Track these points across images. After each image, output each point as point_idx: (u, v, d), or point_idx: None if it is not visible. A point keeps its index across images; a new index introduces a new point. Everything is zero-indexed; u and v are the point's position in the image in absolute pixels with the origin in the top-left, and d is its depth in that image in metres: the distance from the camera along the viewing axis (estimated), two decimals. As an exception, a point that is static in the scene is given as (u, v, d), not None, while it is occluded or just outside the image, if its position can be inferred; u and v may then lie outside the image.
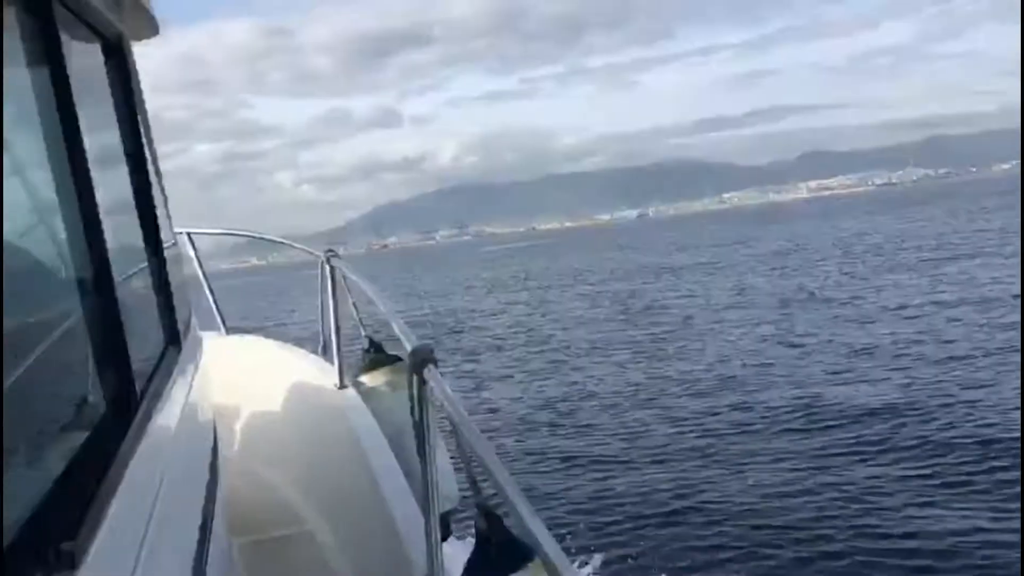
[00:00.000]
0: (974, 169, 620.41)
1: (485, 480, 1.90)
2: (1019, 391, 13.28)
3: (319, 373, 5.00)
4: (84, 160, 1.78)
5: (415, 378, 2.38)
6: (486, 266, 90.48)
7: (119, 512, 1.37)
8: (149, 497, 1.69)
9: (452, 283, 64.60)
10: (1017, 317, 19.30)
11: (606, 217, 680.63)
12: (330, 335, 4.80)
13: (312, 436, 5.03)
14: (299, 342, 6.12)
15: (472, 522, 2.50)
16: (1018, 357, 15.70)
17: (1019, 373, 14.40)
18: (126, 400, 1.85)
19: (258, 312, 51.94)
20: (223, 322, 6.21)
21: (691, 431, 14.44)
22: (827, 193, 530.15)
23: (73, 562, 1.10)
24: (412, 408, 2.46)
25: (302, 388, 5.15)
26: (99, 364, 1.79)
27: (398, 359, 4.37)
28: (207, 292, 6.18)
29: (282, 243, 6.17)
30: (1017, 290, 22.82)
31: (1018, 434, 11.50)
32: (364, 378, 4.51)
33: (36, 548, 1.06)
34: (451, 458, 3.66)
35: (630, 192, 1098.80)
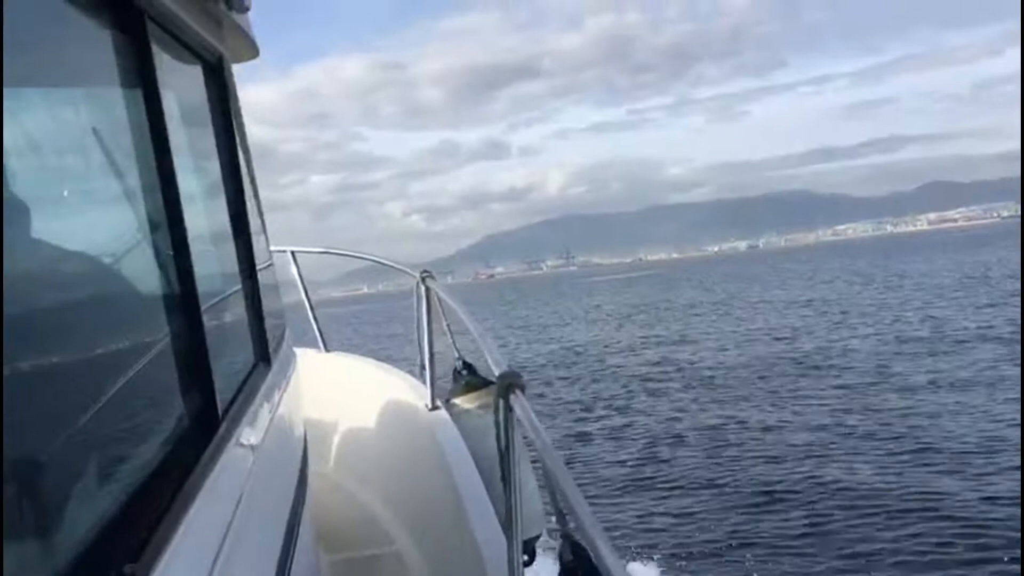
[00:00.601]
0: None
1: (568, 511, 1.88)
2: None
3: (412, 393, 5.05)
4: (176, 180, 1.78)
5: (501, 403, 2.40)
6: (595, 295, 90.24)
7: (191, 530, 1.37)
8: (227, 513, 1.71)
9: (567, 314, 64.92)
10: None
11: (715, 248, 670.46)
12: (424, 356, 4.85)
13: (403, 456, 5.10)
14: (397, 363, 6.19)
15: (557, 551, 2.49)
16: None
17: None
18: (208, 417, 1.86)
19: (363, 335, 53.36)
20: (323, 340, 6.36)
21: (792, 473, 13.94)
22: (949, 225, 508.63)
23: None
24: (498, 433, 2.48)
25: (395, 407, 5.22)
26: (183, 382, 1.81)
27: (489, 382, 4.35)
28: (308, 310, 6.35)
29: (382, 263, 6.35)
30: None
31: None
32: (456, 400, 4.53)
33: (100, 570, 1.06)
34: (540, 485, 3.63)
35: (738, 223, 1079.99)
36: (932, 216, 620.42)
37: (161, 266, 1.78)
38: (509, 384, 2.38)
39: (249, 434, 2.18)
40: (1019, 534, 9.05)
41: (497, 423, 2.46)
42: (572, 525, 2.33)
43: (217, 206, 2.73)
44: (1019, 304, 22.40)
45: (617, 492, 13.68)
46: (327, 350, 6.33)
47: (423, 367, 4.85)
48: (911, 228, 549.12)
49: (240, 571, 1.72)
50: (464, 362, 4.57)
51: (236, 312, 2.76)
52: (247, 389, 2.44)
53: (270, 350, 3.04)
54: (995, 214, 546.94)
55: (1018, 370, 16.95)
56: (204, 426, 1.83)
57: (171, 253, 1.78)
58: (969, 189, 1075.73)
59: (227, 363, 2.30)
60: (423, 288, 4.74)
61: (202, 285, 1.91)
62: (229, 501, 1.77)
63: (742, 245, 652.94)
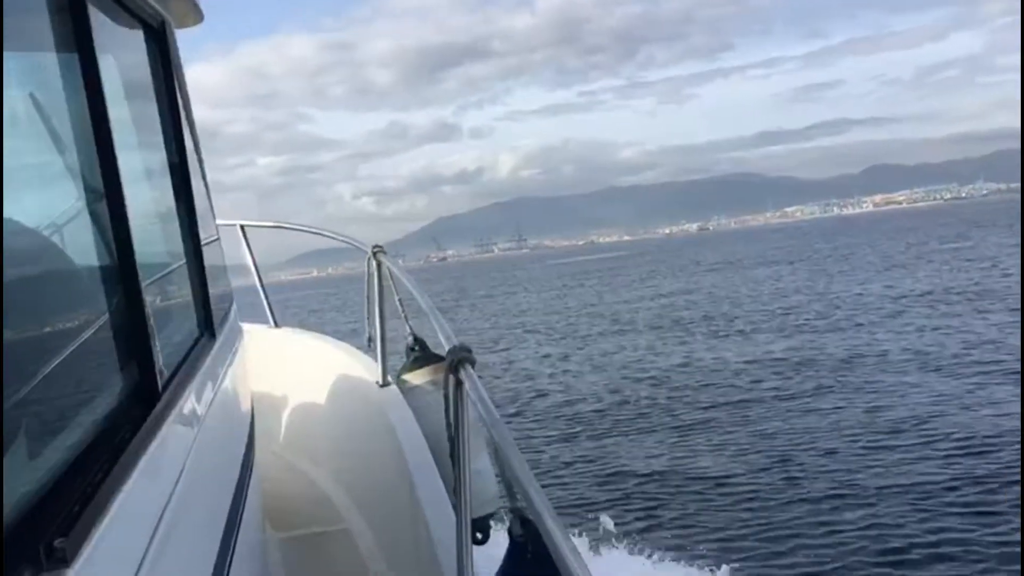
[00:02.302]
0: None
1: (516, 487, 1.87)
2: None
3: (363, 369, 4.94)
4: (114, 150, 1.73)
5: (451, 378, 2.36)
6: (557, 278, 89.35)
7: (127, 505, 1.35)
8: (166, 488, 1.67)
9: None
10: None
11: (666, 230, 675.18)
12: (375, 332, 4.75)
13: (353, 433, 5.00)
14: (347, 338, 6.02)
15: (508, 526, 2.47)
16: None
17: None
18: (147, 390, 1.82)
19: (317, 317, 53.66)
20: (273, 316, 6.19)
21: (729, 439, 14.59)
22: (893, 207, 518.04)
23: (65, 558, 1.07)
24: (447, 408, 2.43)
25: (345, 384, 5.11)
26: (121, 355, 1.77)
27: (440, 358, 4.12)
28: (258, 285, 6.19)
29: (333, 237, 6.10)
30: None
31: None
32: (407, 376, 4.43)
33: (29, 544, 1.05)
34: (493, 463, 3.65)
35: (689, 205, 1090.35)
36: (877, 198, 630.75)
37: (100, 239, 1.74)
38: (459, 359, 2.34)
39: (191, 408, 2.13)
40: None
41: (446, 397, 2.41)
42: (521, 501, 2.34)
43: (160, 177, 2.68)
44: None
45: (567, 469, 13.87)
46: (277, 326, 6.19)
47: (373, 342, 4.78)
48: (857, 210, 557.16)
49: (180, 546, 1.68)
50: (416, 338, 4.50)
51: (179, 285, 2.71)
52: (190, 362, 2.40)
53: (215, 324, 2.99)
54: (938, 196, 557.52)
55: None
56: (143, 399, 1.79)
57: (110, 225, 1.73)
58: (913, 172, 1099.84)
59: (169, 336, 2.26)
60: (374, 263, 4.68)
61: (143, 257, 1.86)
62: (168, 475, 1.72)
63: (693, 227, 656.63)
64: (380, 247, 4.74)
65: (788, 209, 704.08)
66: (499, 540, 3.29)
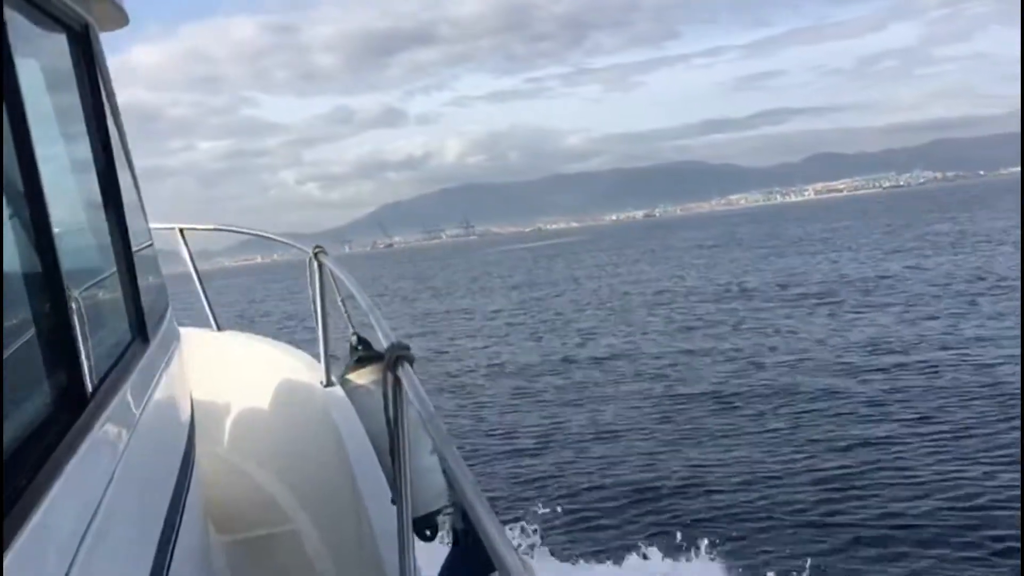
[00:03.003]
0: (982, 173, 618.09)
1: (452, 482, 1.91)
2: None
3: (307, 371, 5.00)
4: (35, 157, 1.71)
5: (390, 375, 2.37)
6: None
7: (52, 512, 1.33)
8: (95, 492, 1.65)
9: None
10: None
11: (613, 217, 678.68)
12: (318, 332, 4.77)
13: (297, 434, 5.04)
14: (294, 341, 6.02)
15: (450, 521, 2.50)
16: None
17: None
18: (76, 396, 1.81)
19: (256, 311, 52.49)
20: (215, 319, 6.14)
21: (673, 426, 14.70)
22: (834, 195, 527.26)
23: None
24: (386, 406, 2.44)
25: (289, 386, 5.14)
26: (48, 362, 1.76)
27: (383, 357, 4.06)
28: (199, 289, 6.13)
29: (273, 239, 6.04)
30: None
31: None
32: (350, 376, 4.36)
33: None
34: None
35: (635, 192, 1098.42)
36: (819, 186, 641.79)
37: (21, 247, 1.71)
38: (397, 356, 2.35)
39: (123, 412, 2.10)
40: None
41: (385, 395, 2.43)
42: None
43: (85, 182, 2.65)
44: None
45: (509, 465, 13.69)
46: (219, 329, 6.18)
47: (318, 344, 4.84)
48: (799, 198, 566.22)
49: (112, 552, 1.67)
50: (359, 337, 4.46)
51: (109, 290, 2.70)
52: (121, 367, 2.37)
53: (148, 328, 2.98)
54: (877, 184, 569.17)
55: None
56: (71, 405, 1.77)
57: (32, 232, 1.71)
58: (853, 160, 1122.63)
59: (99, 342, 2.23)
60: (316, 264, 4.67)
61: (69, 263, 1.84)
62: (98, 480, 1.71)
63: (639, 214, 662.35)
64: (320, 247, 4.68)
65: (732, 197, 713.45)
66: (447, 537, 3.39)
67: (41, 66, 2.07)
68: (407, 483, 2.43)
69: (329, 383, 4.68)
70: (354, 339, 4.46)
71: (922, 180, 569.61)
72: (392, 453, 2.48)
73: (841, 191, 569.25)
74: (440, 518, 3.79)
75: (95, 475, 1.70)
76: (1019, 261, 27.09)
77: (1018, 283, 23.56)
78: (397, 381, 2.35)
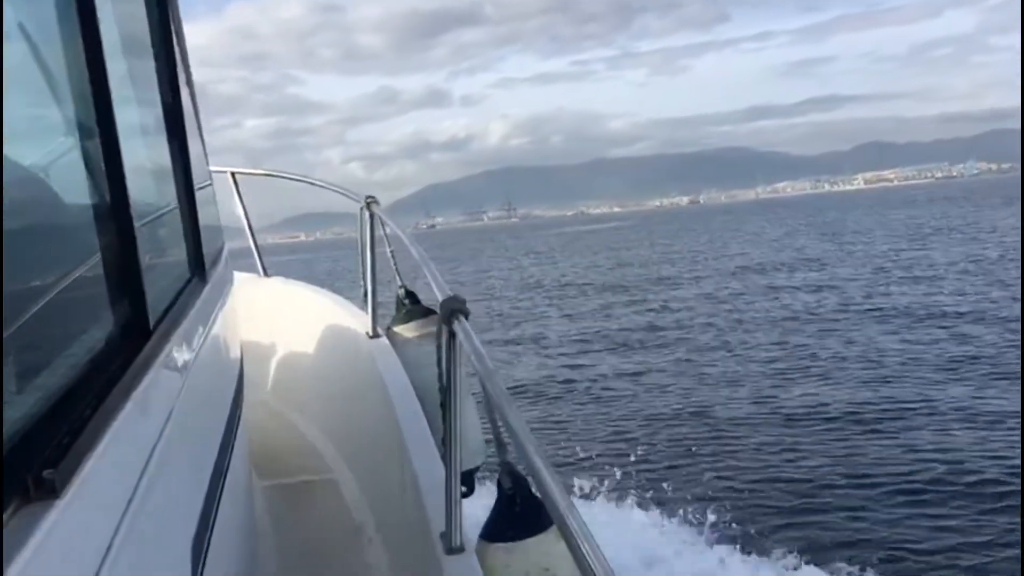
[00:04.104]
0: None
1: (510, 438, 1.89)
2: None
3: (353, 320, 4.94)
4: (109, 92, 1.71)
5: (444, 329, 2.35)
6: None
7: (116, 441, 1.33)
8: (155, 427, 1.66)
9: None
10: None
11: (656, 203, 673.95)
12: (366, 283, 4.73)
13: (342, 383, 5.02)
14: (337, 290, 5.98)
15: (497, 479, 2.46)
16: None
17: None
18: (139, 327, 1.81)
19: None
20: (263, 265, 6.17)
21: (718, 406, 14.52)
22: (884, 184, 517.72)
23: (55, 489, 1.07)
24: (439, 359, 2.43)
25: (335, 334, 5.12)
26: (112, 292, 1.76)
27: (432, 311, 4.25)
28: (249, 234, 6.12)
29: (324, 186, 5.84)
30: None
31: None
32: (397, 328, 4.40)
33: (18, 474, 1.05)
34: (480, 417, 3.66)
35: (680, 178, 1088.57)
36: (868, 175, 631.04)
37: (94, 178, 1.73)
38: (452, 310, 2.31)
39: (181, 349, 2.10)
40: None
41: (439, 348, 2.41)
42: (512, 453, 2.34)
43: (154, 120, 2.66)
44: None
45: (560, 427, 13.84)
46: (267, 275, 6.20)
47: (365, 294, 4.79)
48: (848, 187, 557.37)
49: (168, 485, 1.68)
50: (407, 290, 4.49)
51: (172, 227, 2.70)
52: (180, 303, 2.36)
53: (206, 267, 2.99)
54: (929, 175, 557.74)
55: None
56: (134, 336, 1.78)
57: (104, 166, 1.73)
58: (903, 150, 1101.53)
59: (160, 276, 2.24)
60: (367, 214, 4.63)
61: (136, 197, 1.87)
62: (159, 414, 1.72)
63: (683, 200, 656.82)
64: (373, 198, 4.62)
65: (778, 184, 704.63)
66: (481, 494, 3.46)
67: (118, 7, 2.08)
68: (457, 437, 2.40)
69: (375, 334, 4.60)
70: (402, 292, 4.49)
71: (975, 171, 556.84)
72: (443, 406, 2.45)
73: (892, 181, 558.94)
74: (477, 476, 3.76)
75: (156, 409, 1.72)
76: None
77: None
78: (452, 335, 2.31)
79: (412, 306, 4.43)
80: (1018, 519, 8.98)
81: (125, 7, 2.30)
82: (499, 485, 2.43)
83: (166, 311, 2.15)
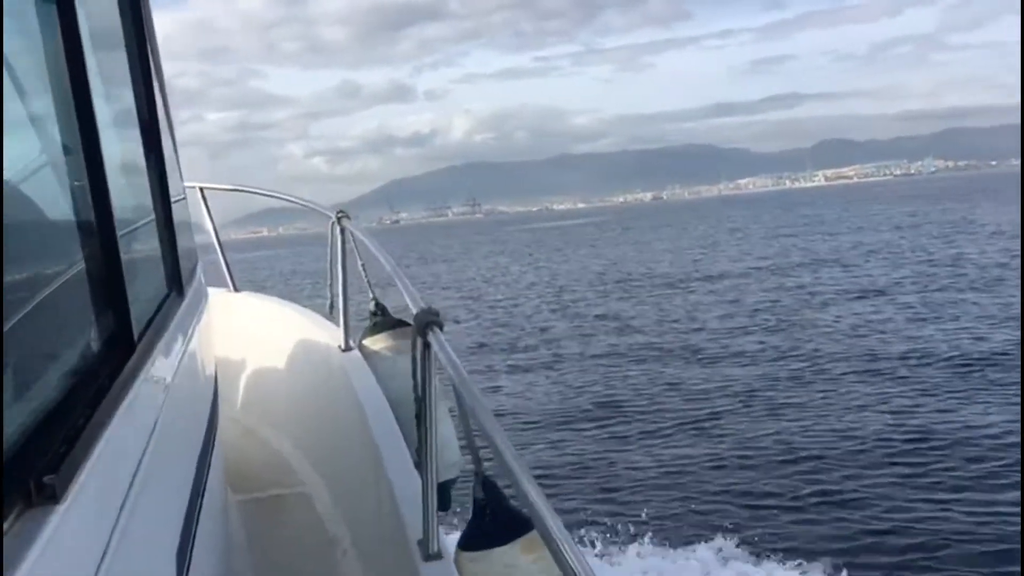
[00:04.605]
0: (994, 163, 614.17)
1: (485, 448, 1.89)
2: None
3: (324, 334, 4.97)
4: (91, 101, 1.71)
5: (419, 340, 2.35)
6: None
7: (109, 448, 1.35)
8: (142, 439, 1.66)
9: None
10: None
11: (621, 199, 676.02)
12: (337, 296, 4.79)
13: (314, 397, 5.03)
14: (308, 304, 6.00)
15: (471, 490, 2.47)
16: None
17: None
18: (124, 340, 1.81)
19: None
20: (232, 279, 6.14)
21: (696, 405, 14.59)
22: (844, 181, 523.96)
23: (55, 494, 1.09)
24: (414, 371, 2.42)
25: (307, 348, 5.14)
26: (98, 303, 1.76)
27: (404, 323, 4.31)
28: (217, 248, 6.10)
29: (295, 201, 5.95)
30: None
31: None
32: (368, 341, 4.41)
33: (19, 480, 1.06)
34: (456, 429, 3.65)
35: (643, 174, 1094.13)
36: (829, 173, 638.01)
37: (78, 190, 1.73)
38: (427, 321, 2.32)
39: (163, 363, 2.10)
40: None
41: (414, 360, 2.41)
42: (487, 463, 2.36)
43: (132, 130, 2.64)
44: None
45: (537, 438, 13.67)
46: (236, 290, 6.19)
47: (336, 308, 4.82)
48: (809, 184, 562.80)
49: (155, 496, 1.68)
50: (378, 303, 4.52)
51: (151, 240, 2.69)
52: (160, 318, 2.35)
53: (183, 281, 2.98)
54: (888, 172, 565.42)
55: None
56: (120, 350, 1.78)
57: (87, 177, 1.73)
58: (863, 147, 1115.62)
59: (142, 291, 2.23)
60: (338, 228, 4.70)
61: (118, 210, 1.86)
62: (145, 426, 1.72)
63: (647, 196, 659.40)
64: (344, 212, 4.71)
65: (741, 181, 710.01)
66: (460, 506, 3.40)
67: (96, 12, 2.07)
68: (433, 446, 2.42)
69: (347, 347, 4.64)
70: (373, 305, 4.50)
71: (933, 169, 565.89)
72: (419, 418, 2.46)
73: (851, 178, 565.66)
74: (452, 492, 3.73)
75: (144, 418, 1.72)
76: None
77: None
78: (427, 346, 2.33)
79: (384, 319, 4.45)
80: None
81: (103, 24, 2.28)
82: (473, 496, 2.44)
83: (148, 325, 2.15)
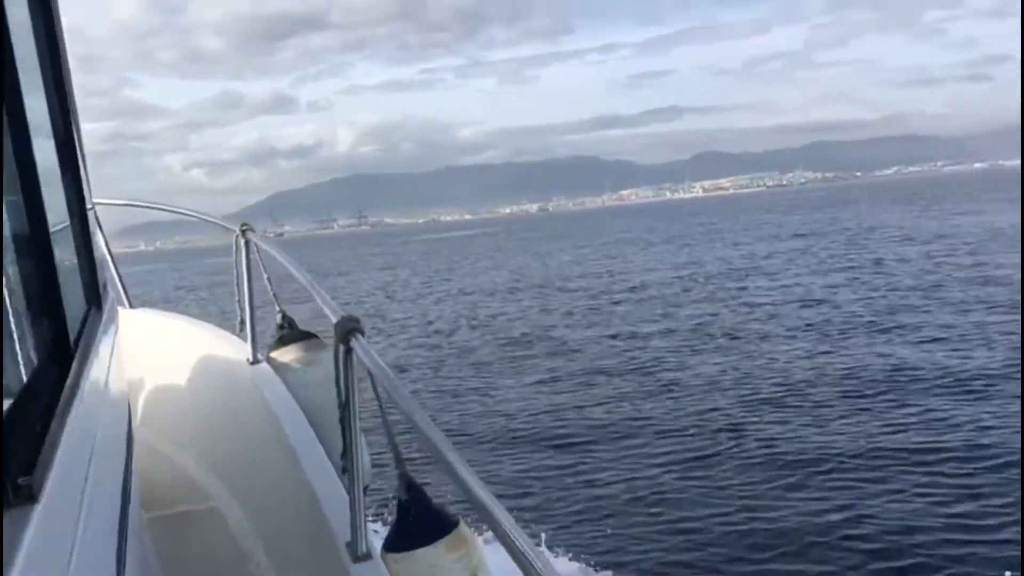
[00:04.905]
0: (859, 174, 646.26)
1: (408, 447, 1.88)
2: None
3: (230, 348, 4.92)
4: (24, 115, 1.71)
5: (341, 348, 2.37)
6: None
7: (68, 456, 1.39)
8: (89, 445, 1.68)
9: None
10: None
11: (507, 210, 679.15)
12: (244, 311, 4.74)
13: (223, 411, 4.92)
14: (208, 318, 5.87)
15: (394, 492, 2.49)
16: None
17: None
18: (63, 350, 1.84)
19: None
20: (126, 295, 6.03)
21: (601, 405, 14.73)
22: (721, 192, 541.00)
23: (32, 495, 1.11)
24: (337, 378, 2.44)
25: (212, 363, 5.05)
26: (39, 314, 1.76)
27: (311, 335, 4.44)
28: (111, 264, 5.96)
29: (196, 216, 5.74)
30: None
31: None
32: (277, 354, 4.42)
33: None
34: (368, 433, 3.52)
35: (529, 186, 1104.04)
36: (706, 184, 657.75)
37: (12, 203, 1.72)
38: (349, 328, 2.35)
39: (95, 375, 2.12)
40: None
41: (337, 366, 2.43)
42: (409, 465, 2.44)
43: (51, 144, 2.60)
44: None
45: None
46: (131, 306, 6.08)
47: (244, 322, 4.77)
48: (687, 195, 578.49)
49: (98, 507, 1.71)
50: (285, 316, 4.53)
51: (73, 253, 2.67)
52: (87, 331, 2.38)
53: (100, 295, 2.96)
54: (761, 183, 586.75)
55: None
56: (61, 360, 1.81)
57: (20, 190, 1.73)
58: (738, 159, 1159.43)
59: (70, 303, 2.24)
60: (242, 241, 4.66)
61: (50, 223, 1.87)
62: (89, 436, 1.74)
63: (533, 208, 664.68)
64: (248, 225, 4.69)
65: (624, 192, 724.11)
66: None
67: (16, 20, 2.05)
68: (359, 450, 2.44)
69: (256, 360, 4.59)
70: (280, 317, 4.49)
71: (803, 180, 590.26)
72: (343, 424, 2.48)
73: (728, 189, 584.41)
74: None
75: (88, 427, 1.73)
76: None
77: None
78: (348, 352, 2.36)
79: (292, 331, 4.46)
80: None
81: (22, 39, 2.27)
82: (397, 498, 2.46)
83: (79, 337, 2.19)
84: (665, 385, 15.94)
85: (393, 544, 2.45)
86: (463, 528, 2.40)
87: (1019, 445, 10.69)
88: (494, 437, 13.67)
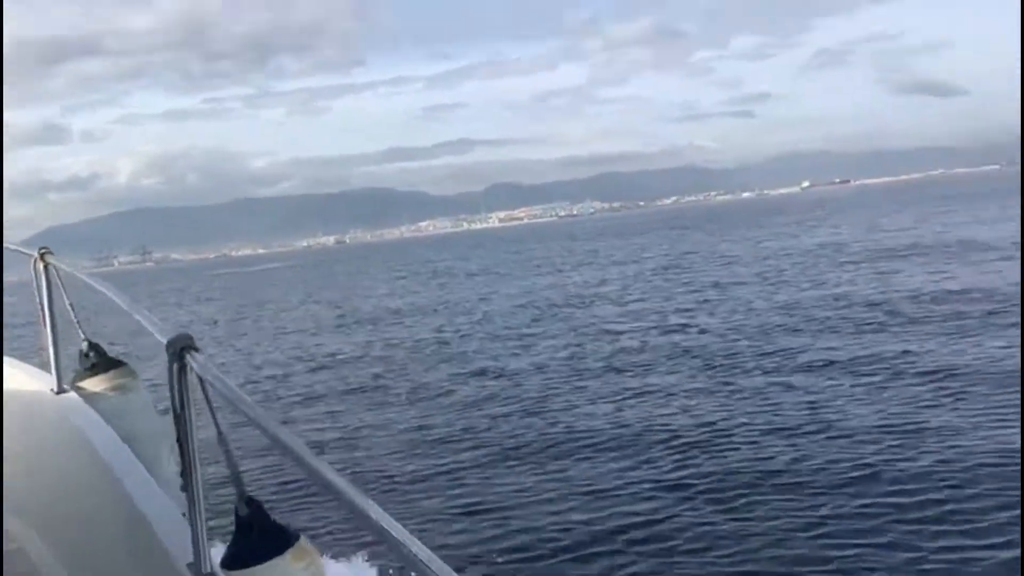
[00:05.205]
0: (642, 203, 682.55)
1: (243, 463, 1.87)
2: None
3: (30, 379, 4.62)
4: None
5: (175, 366, 2.36)
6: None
7: None
8: None
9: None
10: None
11: (303, 243, 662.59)
12: (47, 339, 4.48)
13: (25, 444, 4.52)
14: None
15: (234, 508, 2.47)
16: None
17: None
18: None
19: None
20: None
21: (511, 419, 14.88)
22: (516, 223, 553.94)
23: None
24: (173, 398, 2.43)
25: (10, 396, 4.61)
26: None
27: (119, 362, 4.30)
28: None
29: None
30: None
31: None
32: (87, 383, 4.24)
33: None
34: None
35: (325, 219, 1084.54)
36: (502, 214, 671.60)
37: None
38: (183, 345, 2.35)
39: None
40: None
41: (171, 386, 2.42)
42: (246, 482, 2.42)
43: None
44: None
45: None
46: None
47: (45, 351, 4.52)
48: (484, 225, 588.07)
49: None
50: (91, 343, 4.33)
51: None
52: None
53: None
54: (553, 214, 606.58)
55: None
56: None
57: None
58: (529, 191, 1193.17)
59: None
60: (41, 265, 4.40)
61: None
62: None
63: (330, 240, 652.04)
64: (47, 248, 4.41)
65: (421, 224, 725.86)
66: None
67: None
68: (198, 469, 2.44)
69: (61, 390, 4.38)
70: (85, 345, 4.29)
71: (592, 210, 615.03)
72: (180, 443, 2.47)
73: (522, 219, 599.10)
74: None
75: None
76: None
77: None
78: (182, 369, 2.35)
79: (100, 359, 4.27)
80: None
81: None
82: (236, 513, 2.44)
83: None
84: (550, 412, 15.29)
85: (234, 561, 2.42)
86: (304, 540, 2.42)
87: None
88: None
